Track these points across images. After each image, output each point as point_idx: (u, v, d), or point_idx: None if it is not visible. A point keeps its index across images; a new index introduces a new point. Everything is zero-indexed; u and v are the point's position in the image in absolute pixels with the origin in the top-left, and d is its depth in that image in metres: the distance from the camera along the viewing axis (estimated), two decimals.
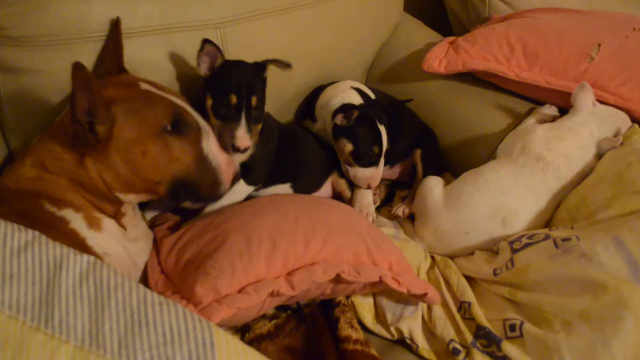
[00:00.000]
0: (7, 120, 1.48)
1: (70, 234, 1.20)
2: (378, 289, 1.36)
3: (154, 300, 0.93)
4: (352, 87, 1.74)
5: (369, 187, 1.65)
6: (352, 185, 1.70)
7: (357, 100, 1.68)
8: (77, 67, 1.12)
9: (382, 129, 1.61)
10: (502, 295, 1.36)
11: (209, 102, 1.42)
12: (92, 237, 1.22)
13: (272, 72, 1.49)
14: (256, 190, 1.58)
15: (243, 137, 1.37)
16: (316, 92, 1.81)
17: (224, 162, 1.33)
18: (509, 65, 1.74)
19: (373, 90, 1.82)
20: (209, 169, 1.32)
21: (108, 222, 1.28)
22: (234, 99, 1.38)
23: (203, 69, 1.44)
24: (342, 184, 1.71)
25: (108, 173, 1.24)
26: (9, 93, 1.45)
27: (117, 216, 1.32)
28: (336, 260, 1.27)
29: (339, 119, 1.60)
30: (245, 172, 1.47)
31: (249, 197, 1.54)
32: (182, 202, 1.37)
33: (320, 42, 1.85)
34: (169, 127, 1.25)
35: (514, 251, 1.38)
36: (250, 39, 1.67)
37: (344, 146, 1.63)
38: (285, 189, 1.63)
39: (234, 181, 1.37)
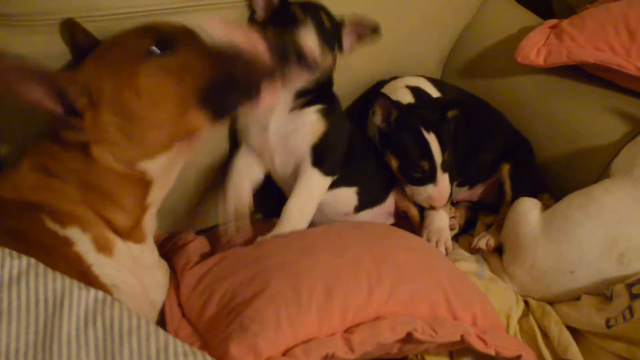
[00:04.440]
0: None
1: (73, 259, 1.18)
2: (457, 347, 1.33)
3: (177, 350, 0.93)
4: (408, 86, 1.72)
5: (432, 208, 1.66)
6: None
7: (407, 101, 1.67)
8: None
9: (432, 137, 1.58)
10: (617, 353, 1.34)
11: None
12: (99, 264, 1.21)
13: None
14: None
15: (312, 42, 1.39)
16: (373, 90, 1.81)
17: (245, 41, 1.22)
18: (628, 57, 1.70)
19: (448, 87, 1.81)
20: (232, 55, 1.22)
21: (121, 246, 1.27)
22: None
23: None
24: (408, 200, 1.71)
25: (119, 147, 1.21)
26: None
27: (139, 221, 1.30)
28: (407, 314, 1.24)
29: (378, 118, 1.61)
30: (320, 159, 1.49)
31: None
32: (228, 112, 1.29)
33: (383, 24, 1.78)
34: (154, 49, 1.20)
35: (634, 297, 1.35)
36: None
37: (389, 161, 1.64)
38: (350, 195, 1.64)
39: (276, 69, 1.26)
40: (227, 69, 1.21)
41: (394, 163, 1.62)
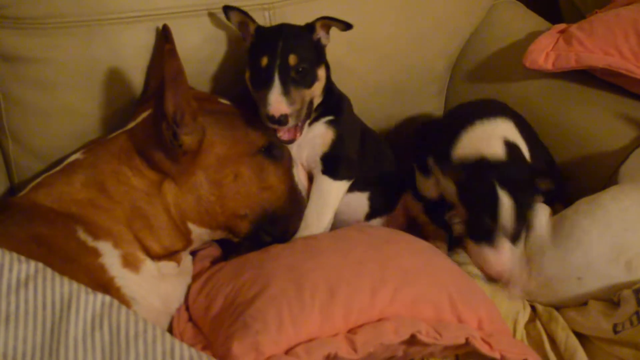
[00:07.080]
0: (8, 122, 1.52)
1: (96, 269, 1.20)
2: (462, 351, 1.32)
3: (183, 354, 0.94)
4: (506, 140, 1.51)
5: (490, 278, 1.46)
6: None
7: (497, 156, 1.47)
8: (173, 54, 1.15)
9: (506, 200, 1.38)
10: (625, 359, 1.33)
11: (247, 73, 1.45)
12: (123, 278, 1.23)
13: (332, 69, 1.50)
14: None
15: (276, 101, 1.35)
16: (455, 115, 1.70)
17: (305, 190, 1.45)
18: (637, 62, 1.69)
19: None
20: (299, 201, 1.42)
21: (150, 267, 1.29)
22: (264, 60, 1.39)
23: (246, 41, 1.49)
24: (416, 207, 1.70)
25: (187, 198, 1.28)
26: (8, 87, 1.48)
27: (175, 253, 1.35)
28: (411, 316, 1.24)
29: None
30: (329, 166, 1.51)
31: None
32: (260, 241, 1.43)
33: (390, 29, 1.85)
34: (263, 149, 1.34)
35: None
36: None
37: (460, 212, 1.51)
38: (361, 200, 1.63)
39: None
40: (290, 207, 1.42)
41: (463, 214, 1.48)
